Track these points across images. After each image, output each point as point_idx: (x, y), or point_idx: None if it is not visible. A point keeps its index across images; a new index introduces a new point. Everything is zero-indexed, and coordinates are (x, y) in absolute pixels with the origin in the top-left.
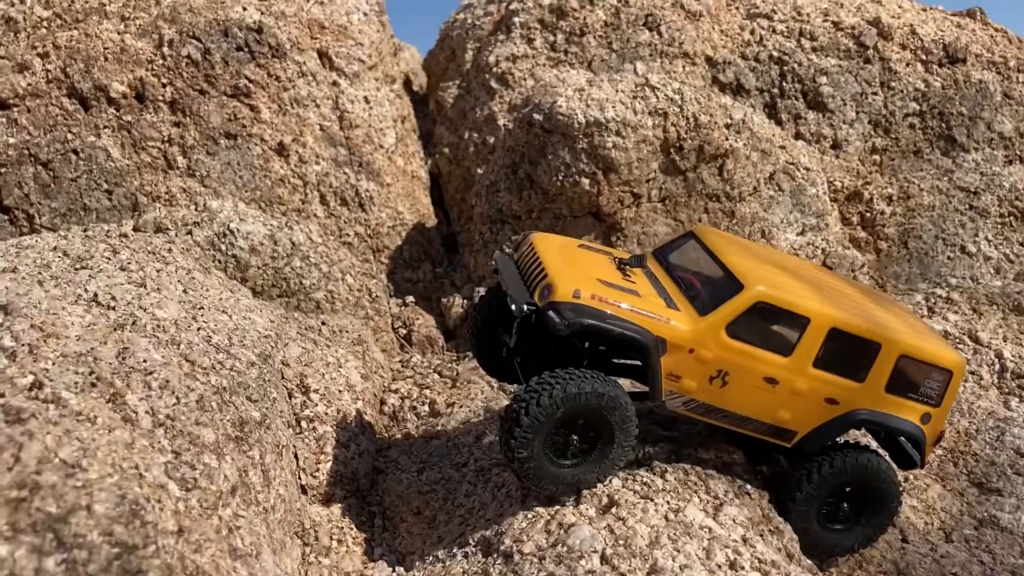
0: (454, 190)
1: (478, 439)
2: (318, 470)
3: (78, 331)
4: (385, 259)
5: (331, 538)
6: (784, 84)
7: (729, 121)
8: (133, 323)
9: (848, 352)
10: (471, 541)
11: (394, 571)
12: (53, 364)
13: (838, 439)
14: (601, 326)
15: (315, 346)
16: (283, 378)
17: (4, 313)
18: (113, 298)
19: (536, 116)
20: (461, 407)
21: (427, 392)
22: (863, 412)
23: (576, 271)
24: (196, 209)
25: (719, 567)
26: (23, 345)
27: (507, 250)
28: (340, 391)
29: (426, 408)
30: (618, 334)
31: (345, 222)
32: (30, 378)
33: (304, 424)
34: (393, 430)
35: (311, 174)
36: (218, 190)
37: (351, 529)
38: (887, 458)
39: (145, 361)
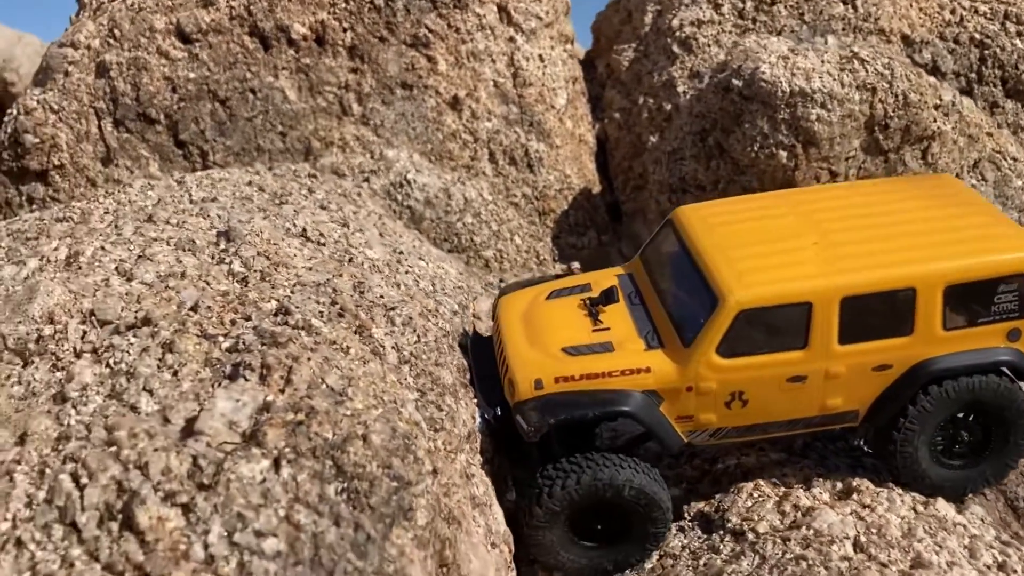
0: (621, 157)
1: None
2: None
3: (303, 262)
4: (551, 223)
5: None
6: (983, 69)
7: (939, 102)
8: (349, 260)
9: (877, 312)
10: (686, 515)
11: None
12: (292, 292)
13: None
14: (571, 417)
15: None
16: (475, 331)
17: (227, 239)
18: (321, 235)
19: (735, 82)
20: None
21: None
22: (928, 364)
23: (537, 347)
24: (372, 157)
25: (988, 568)
26: (254, 271)
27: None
28: None
29: None
30: (592, 418)
31: (513, 182)
32: (273, 304)
33: None
34: None
35: (482, 130)
36: (391, 140)
37: None
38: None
39: (383, 297)
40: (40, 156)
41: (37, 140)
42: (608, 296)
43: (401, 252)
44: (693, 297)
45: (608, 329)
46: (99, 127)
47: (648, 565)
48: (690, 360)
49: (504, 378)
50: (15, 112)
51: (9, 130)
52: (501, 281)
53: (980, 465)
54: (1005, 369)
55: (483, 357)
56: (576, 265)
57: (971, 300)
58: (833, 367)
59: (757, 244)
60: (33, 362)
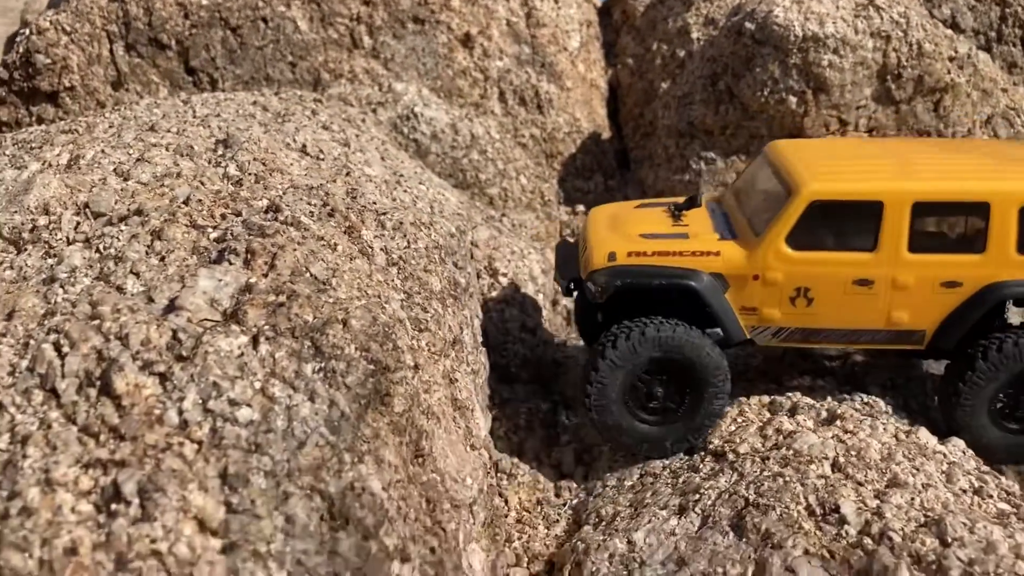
0: (632, 104)
1: None
2: (506, 350)
3: (299, 171)
4: (558, 165)
5: (519, 414)
6: (1003, 28)
7: (953, 54)
8: (347, 173)
9: (949, 224)
10: None
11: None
12: (284, 193)
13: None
14: (636, 282)
15: (500, 234)
16: (472, 258)
17: (224, 146)
18: (321, 151)
19: (748, 25)
20: None
21: None
22: (1000, 286)
23: (617, 234)
24: (381, 90)
25: (963, 492)
26: (249, 175)
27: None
28: (525, 279)
29: None
30: (656, 284)
31: (522, 122)
32: (264, 202)
33: (491, 304)
34: (568, 330)
35: (493, 69)
36: (400, 74)
37: (537, 411)
38: None
39: (375, 203)
40: (51, 77)
41: (49, 61)
42: (692, 201)
43: (401, 175)
44: (770, 199)
45: (687, 225)
46: (111, 51)
47: (628, 483)
48: (759, 247)
49: (582, 259)
50: (28, 32)
51: (21, 50)
52: (503, 215)
53: None
54: None
55: (567, 255)
56: (581, 208)
57: None
58: (901, 276)
59: (840, 161)
60: (26, 250)
